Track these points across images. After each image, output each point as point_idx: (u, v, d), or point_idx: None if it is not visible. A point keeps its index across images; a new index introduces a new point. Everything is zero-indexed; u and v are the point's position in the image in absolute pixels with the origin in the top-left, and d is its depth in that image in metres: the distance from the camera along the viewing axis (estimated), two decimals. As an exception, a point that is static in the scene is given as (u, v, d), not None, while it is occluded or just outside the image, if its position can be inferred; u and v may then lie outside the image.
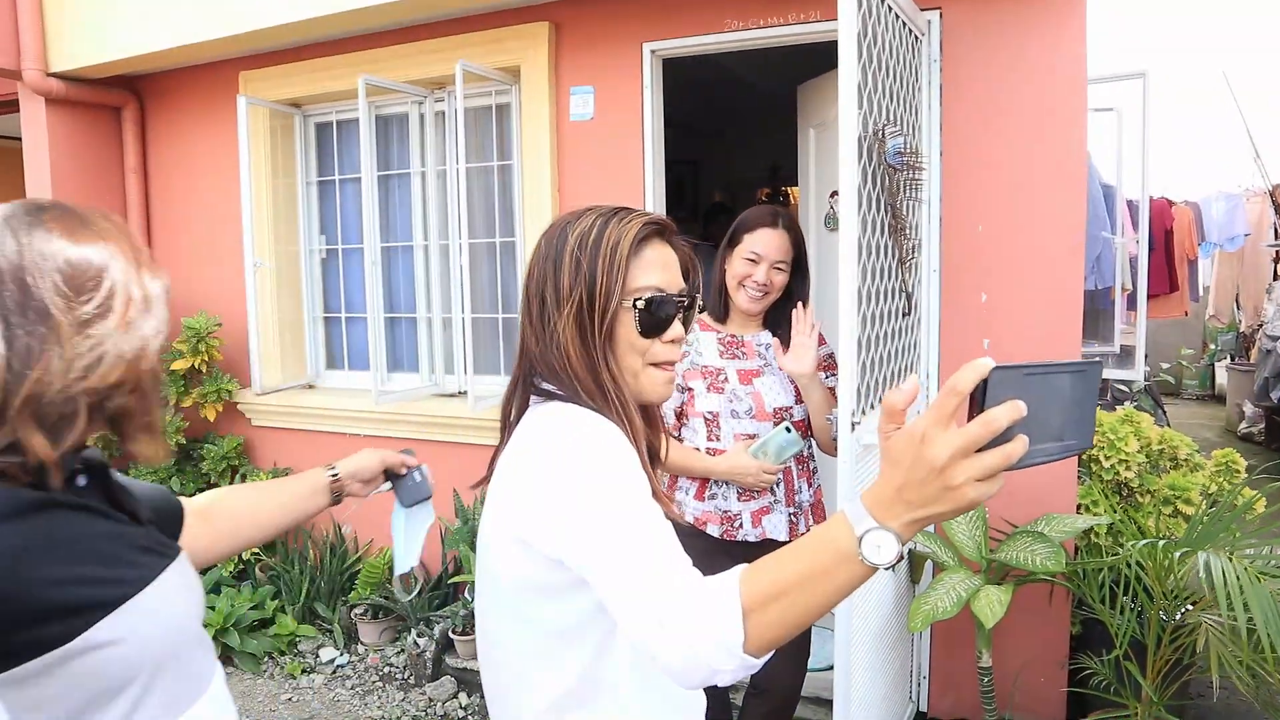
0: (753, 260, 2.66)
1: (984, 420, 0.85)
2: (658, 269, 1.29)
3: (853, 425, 2.50)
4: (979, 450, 0.87)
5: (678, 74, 4.02)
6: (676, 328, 1.31)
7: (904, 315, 3.12)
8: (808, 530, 2.79)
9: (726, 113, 7.36)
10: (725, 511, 2.71)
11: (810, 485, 2.81)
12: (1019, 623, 3.32)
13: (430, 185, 4.45)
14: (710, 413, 2.71)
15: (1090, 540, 3.33)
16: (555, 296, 1.27)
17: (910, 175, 2.90)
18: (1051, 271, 3.24)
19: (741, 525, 2.71)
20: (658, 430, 1.41)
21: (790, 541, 2.69)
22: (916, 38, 3.19)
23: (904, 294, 3.10)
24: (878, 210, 2.76)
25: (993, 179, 3.30)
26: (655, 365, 1.31)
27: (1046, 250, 3.25)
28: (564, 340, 1.26)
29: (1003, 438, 0.87)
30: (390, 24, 4.20)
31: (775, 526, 2.71)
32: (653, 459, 1.37)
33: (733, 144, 8.31)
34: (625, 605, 1.06)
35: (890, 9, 2.82)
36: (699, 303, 1.38)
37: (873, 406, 2.78)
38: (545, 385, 1.30)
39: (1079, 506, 3.38)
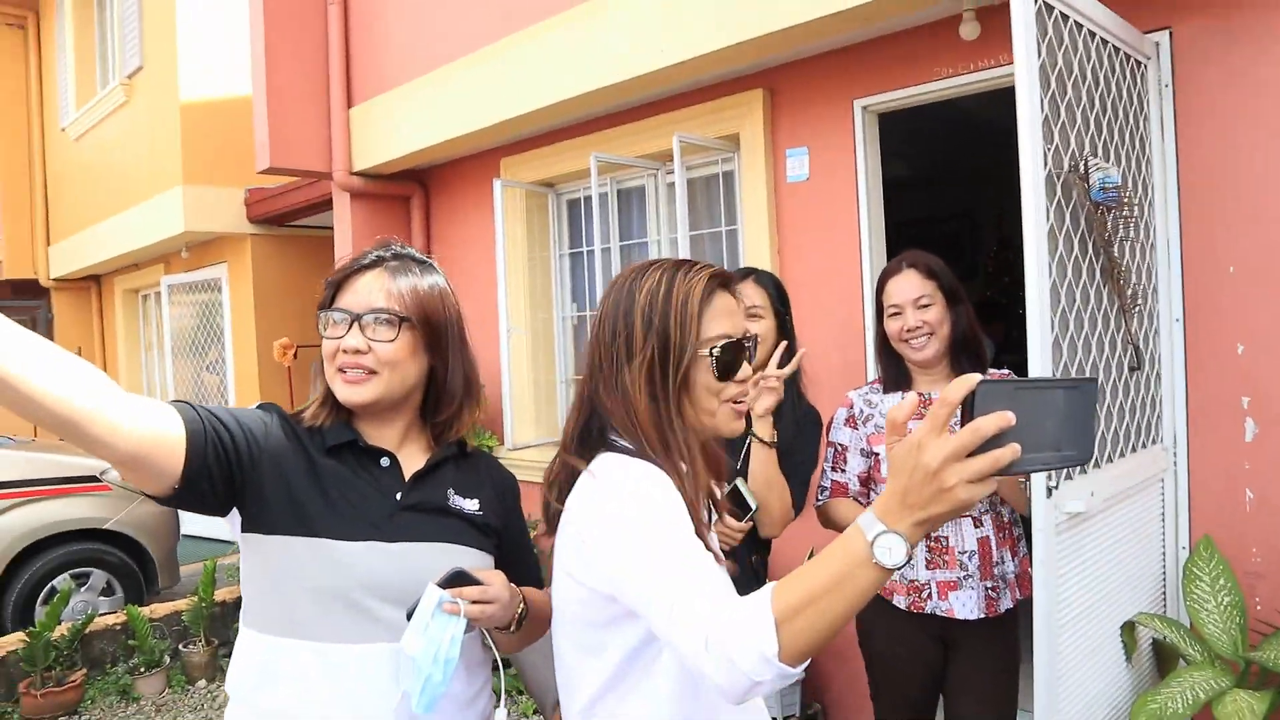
0: (896, 312, 2.44)
1: (972, 428, 0.92)
2: (725, 317, 1.35)
3: (1049, 490, 2.16)
4: (971, 455, 0.93)
5: (925, 124, 3.79)
6: (745, 369, 1.37)
7: (1132, 369, 2.68)
8: (1013, 605, 2.45)
9: (993, 160, 6.87)
10: (913, 581, 2.44)
11: (1015, 555, 2.46)
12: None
13: (665, 252, 4.49)
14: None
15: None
16: (628, 350, 1.32)
17: (1124, 213, 2.51)
18: (1327, 318, 2.67)
19: (930, 596, 2.42)
20: (721, 472, 1.45)
21: (984, 620, 2.39)
22: (1138, 63, 2.78)
23: (1130, 345, 2.67)
24: (1083, 253, 2.41)
25: (1244, 213, 2.78)
26: (729, 403, 1.36)
27: (1319, 293, 2.68)
28: (633, 393, 1.32)
29: (994, 445, 0.92)
30: (619, 105, 4.32)
31: (964, 604, 2.38)
32: (711, 499, 1.46)
33: (1004, 191, 7.73)
34: (674, 633, 1.11)
35: (1093, 35, 2.49)
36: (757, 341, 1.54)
37: (1083, 471, 2.39)
38: (614, 438, 1.35)
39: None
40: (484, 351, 5.17)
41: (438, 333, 1.53)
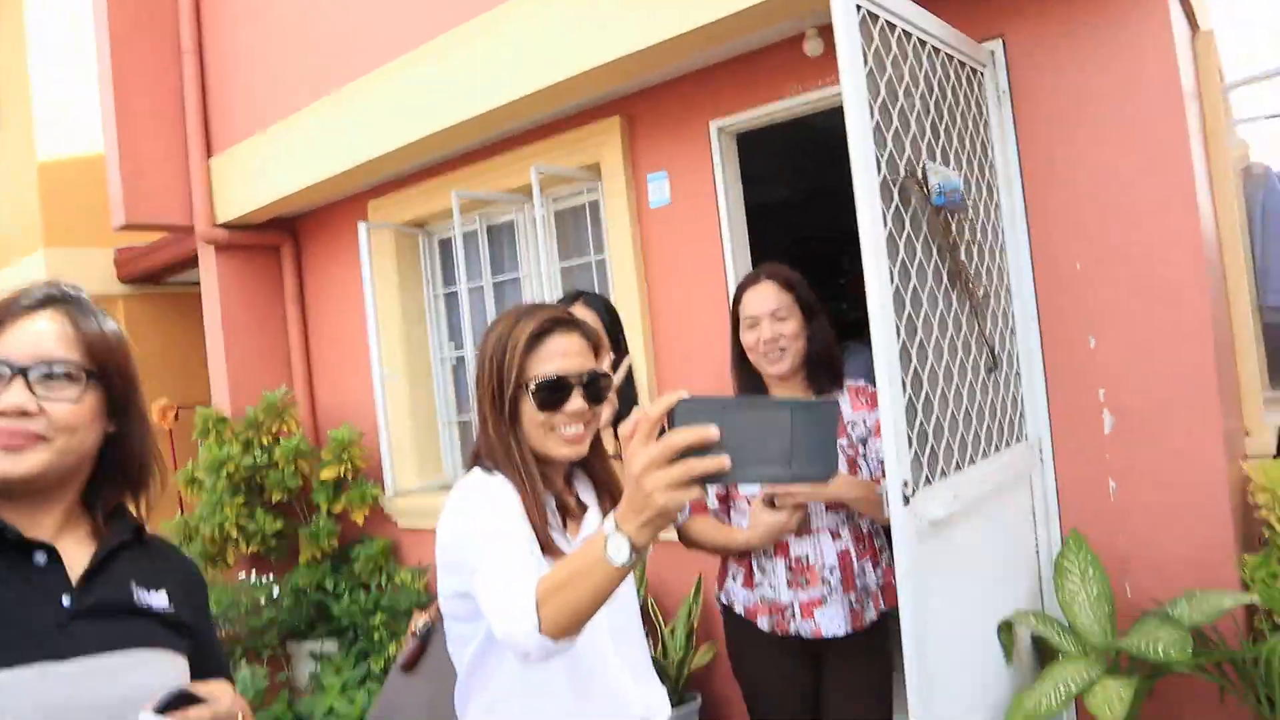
0: (752, 324, 2.36)
1: (664, 440, 1.01)
2: (557, 358, 1.52)
3: (906, 498, 2.09)
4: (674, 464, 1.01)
5: (797, 145, 3.74)
6: (575, 402, 1.52)
7: (989, 370, 2.66)
8: (878, 616, 2.38)
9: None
10: (774, 601, 2.34)
11: (876, 565, 2.39)
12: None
13: (538, 286, 4.37)
14: (751, 496, 2.37)
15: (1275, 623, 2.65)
16: (479, 386, 1.56)
17: (968, 217, 2.50)
18: (1170, 301, 2.69)
19: (793, 616, 2.33)
20: (567, 489, 1.64)
21: (851, 635, 2.31)
22: (974, 70, 2.80)
23: (985, 347, 2.65)
24: (928, 257, 2.38)
25: (1086, 211, 2.80)
26: (557, 431, 1.53)
27: (1160, 281, 2.70)
28: (485, 421, 1.56)
29: (699, 456, 1.00)
30: (480, 141, 4.20)
31: (830, 620, 2.30)
32: (563, 509, 1.60)
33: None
34: (485, 608, 1.33)
35: (924, 43, 2.47)
36: (608, 375, 1.61)
37: (944, 474, 2.34)
38: (482, 458, 1.57)
39: (1246, 584, 2.72)
40: (360, 397, 4.96)
41: (126, 393, 1.23)
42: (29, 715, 1.06)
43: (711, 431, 1.00)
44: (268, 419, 4.92)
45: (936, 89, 2.53)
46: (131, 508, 1.31)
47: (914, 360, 2.23)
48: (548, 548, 1.48)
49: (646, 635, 3.62)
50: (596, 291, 2.61)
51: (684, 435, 1.00)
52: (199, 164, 5.10)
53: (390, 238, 4.80)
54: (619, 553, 1.10)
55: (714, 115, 3.52)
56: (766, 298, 2.37)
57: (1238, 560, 2.68)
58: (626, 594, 1.67)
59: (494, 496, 1.49)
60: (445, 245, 4.92)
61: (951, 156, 2.56)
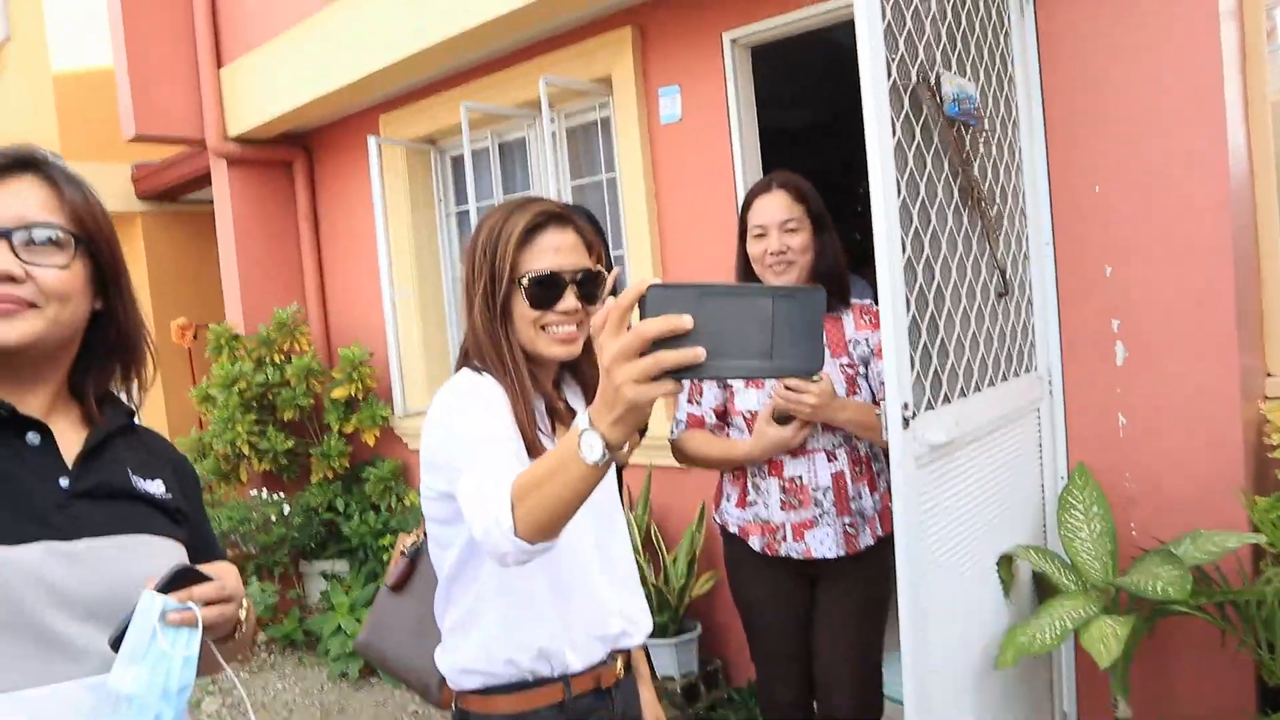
0: (760, 234, 2.27)
1: (635, 329, 0.93)
2: (549, 253, 1.46)
3: (905, 420, 2.00)
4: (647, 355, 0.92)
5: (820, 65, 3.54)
6: (568, 300, 1.46)
7: (999, 295, 2.55)
8: (874, 541, 2.32)
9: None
10: (766, 522, 2.29)
11: (874, 490, 2.32)
12: (1184, 667, 2.62)
13: (549, 206, 4.27)
14: (749, 411, 2.30)
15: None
16: (470, 281, 1.50)
17: (979, 131, 2.36)
18: (1192, 231, 2.55)
19: (785, 538, 2.27)
20: (556, 393, 1.58)
21: (845, 558, 2.25)
22: (998, -24, 2.63)
23: (997, 270, 2.53)
24: (938, 172, 2.25)
25: (1108, 132, 2.65)
26: (549, 329, 1.47)
27: (1183, 207, 2.56)
28: (475, 318, 1.49)
29: (673, 347, 0.91)
30: (491, 52, 4.06)
31: (821, 542, 2.25)
32: (552, 414, 1.53)
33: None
34: (464, 507, 1.27)
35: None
36: (602, 273, 1.52)
37: (947, 399, 2.25)
38: (471, 358, 1.51)
39: (1256, 526, 2.62)
40: (372, 316, 4.92)
41: (114, 265, 1.16)
42: (31, 593, 1.02)
43: (684, 321, 0.91)
44: (279, 336, 4.90)
45: (955, -5, 2.37)
46: (124, 394, 1.25)
47: (919, 278, 2.12)
48: (534, 450, 1.43)
49: (647, 560, 3.62)
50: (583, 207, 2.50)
51: (654, 325, 0.92)
52: (209, 74, 5.00)
53: (402, 154, 4.70)
54: (591, 450, 1.03)
55: (727, 26, 3.36)
56: (777, 208, 2.28)
57: (1248, 502, 2.58)
58: (611, 505, 1.62)
59: (481, 395, 1.44)
60: (457, 162, 4.81)
61: (968, 68, 2.42)
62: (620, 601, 1.58)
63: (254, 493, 4.94)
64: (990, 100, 2.56)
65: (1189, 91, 2.52)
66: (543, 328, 1.47)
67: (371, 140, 4.33)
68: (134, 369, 1.24)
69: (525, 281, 1.45)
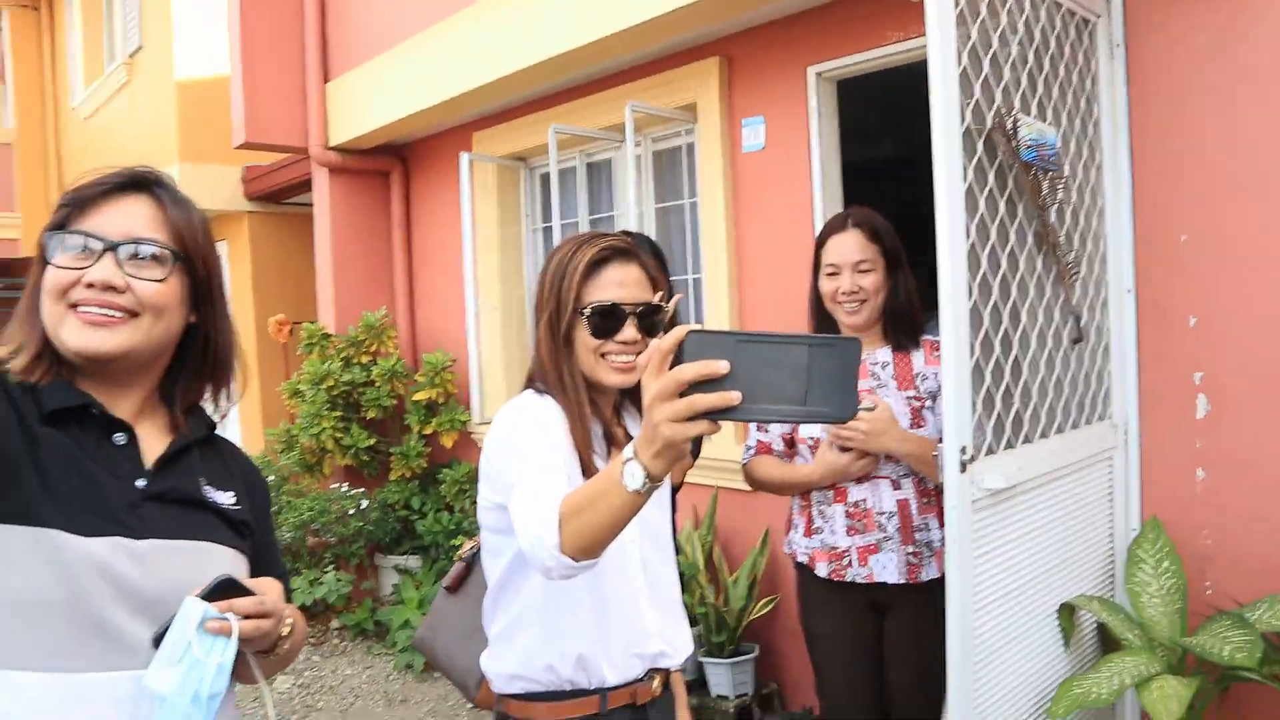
0: (833, 272, 2.28)
1: (672, 373, 0.99)
2: (613, 286, 1.53)
3: (963, 464, 1.99)
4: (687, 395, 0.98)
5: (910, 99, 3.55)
6: (628, 331, 1.53)
7: (1074, 342, 2.50)
8: (939, 575, 2.30)
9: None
10: (833, 548, 2.31)
11: (943, 524, 2.31)
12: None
13: (634, 226, 4.33)
14: (813, 438, 2.32)
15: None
16: (539, 308, 1.57)
17: (1058, 176, 2.33)
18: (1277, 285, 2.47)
19: (850, 563, 2.28)
20: (615, 419, 1.64)
21: (909, 586, 2.25)
22: (1085, 20, 2.59)
23: (1072, 317, 2.49)
24: (1011, 216, 2.23)
25: (1197, 179, 2.58)
26: (608, 358, 1.53)
27: (1272, 261, 2.48)
28: (540, 344, 1.57)
29: (709, 390, 0.97)
30: (580, 76, 4.16)
31: (884, 567, 2.25)
32: (608, 438, 1.60)
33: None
34: (515, 523, 1.33)
35: (1030, -14, 2.30)
36: (662, 308, 1.59)
37: (1010, 444, 2.23)
38: (536, 380, 1.59)
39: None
40: (456, 324, 5.07)
41: (210, 282, 1.23)
42: (97, 584, 1.07)
43: (719, 366, 0.97)
44: (367, 338, 5.09)
45: (1039, 38, 2.35)
46: (211, 405, 1.32)
47: (985, 322, 2.11)
48: (589, 471, 1.48)
49: (708, 580, 3.64)
50: (644, 234, 2.56)
51: (690, 369, 0.98)
52: (315, 87, 5.24)
53: (492, 170, 4.84)
54: (633, 479, 1.09)
55: (812, 60, 3.38)
56: (851, 247, 2.30)
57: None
58: (663, 529, 1.67)
59: (541, 416, 1.50)
60: (545, 180, 4.93)
61: (1049, 111, 2.39)
62: (661, 623, 1.62)
63: (335, 486, 5.12)
64: (1074, 143, 2.53)
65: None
66: (603, 356, 1.53)
67: (463, 157, 4.47)
68: (222, 381, 1.30)
69: (588, 312, 1.51)
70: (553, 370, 1.54)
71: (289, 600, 1.31)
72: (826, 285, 2.32)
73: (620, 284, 1.54)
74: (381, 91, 4.86)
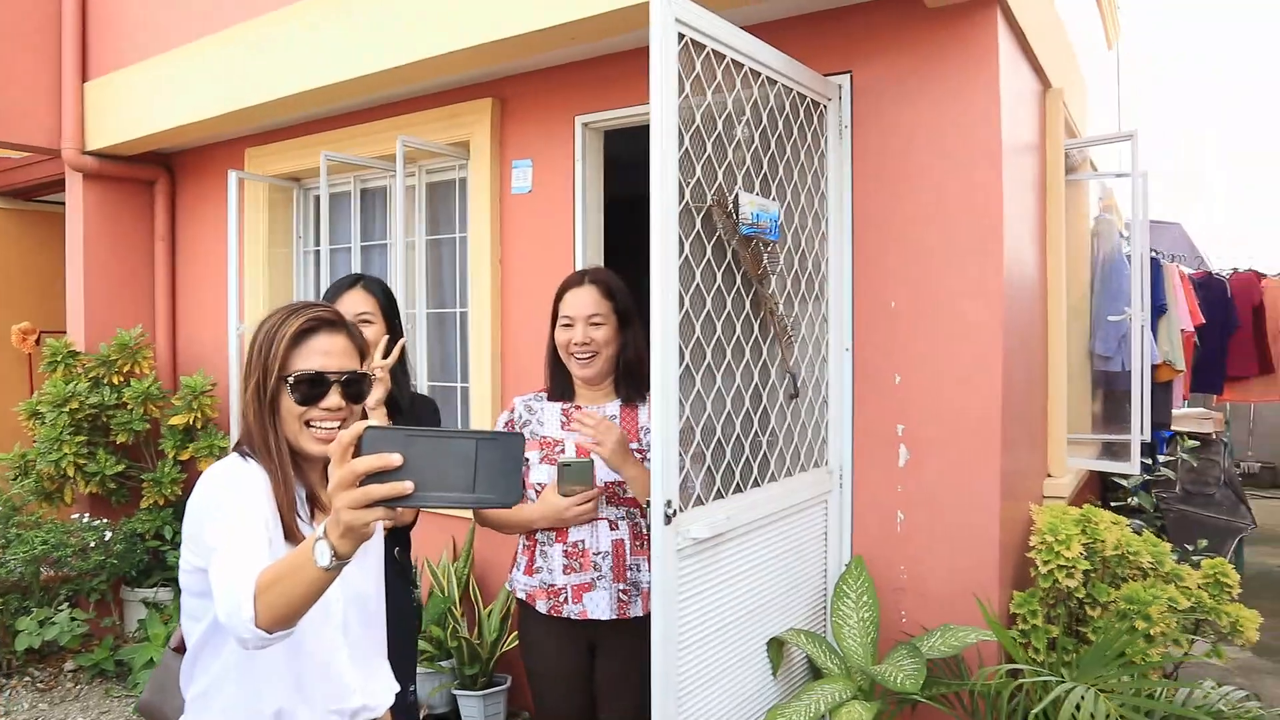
0: (568, 324, 2.44)
1: (348, 465, 1.13)
2: (318, 355, 1.62)
3: (668, 517, 2.20)
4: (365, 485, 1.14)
5: None
6: (331, 398, 1.61)
7: (790, 397, 2.80)
8: (645, 614, 2.50)
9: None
10: (550, 585, 2.46)
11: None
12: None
13: (403, 255, 4.38)
14: (540, 484, 2.47)
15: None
16: (247, 373, 1.64)
17: (779, 246, 2.62)
18: (967, 350, 2.86)
19: (566, 600, 2.44)
20: (317, 480, 1.68)
21: (615, 620, 2.43)
22: (815, 103, 2.91)
23: (789, 375, 2.78)
24: (728, 284, 2.49)
25: (906, 251, 2.95)
26: (312, 427, 1.61)
27: (961, 327, 2.87)
28: (247, 409, 1.63)
29: (394, 480, 1.13)
30: (358, 103, 4.19)
31: (597, 604, 2.42)
32: (312, 501, 1.67)
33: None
34: (214, 591, 1.39)
35: (757, 75, 2.57)
36: (368, 376, 1.69)
37: (720, 494, 2.47)
38: (242, 443, 1.65)
39: (1014, 617, 2.93)
40: (219, 346, 4.93)
41: None
42: None
43: (391, 459, 1.12)
44: (120, 358, 4.85)
45: (766, 119, 2.63)
46: None
47: (697, 384, 2.34)
48: (291, 534, 1.56)
49: (462, 614, 3.73)
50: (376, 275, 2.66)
51: (364, 462, 1.13)
52: (72, 86, 4.96)
53: (264, 188, 4.76)
54: (322, 556, 1.21)
55: (580, 110, 3.58)
56: (585, 301, 2.46)
57: (1004, 594, 2.89)
58: (367, 587, 1.75)
59: (243, 481, 1.57)
60: (320, 202, 4.89)
61: (775, 186, 2.67)
62: (364, 680, 1.71)
63: (76, 516, 4.85)
64: (798, 215, 2.83)
65: (972, 219, 2.85)
66: (307, 424, 1.61)
67: (232, 175, 4.38)
68: None
69: (291, 380, 1.59)
70: (258, 435, 1.61)
71: None
72: (561, 335, 2.48)
73: (326, 353, 1.62)
74: (149, 97, 4.68)
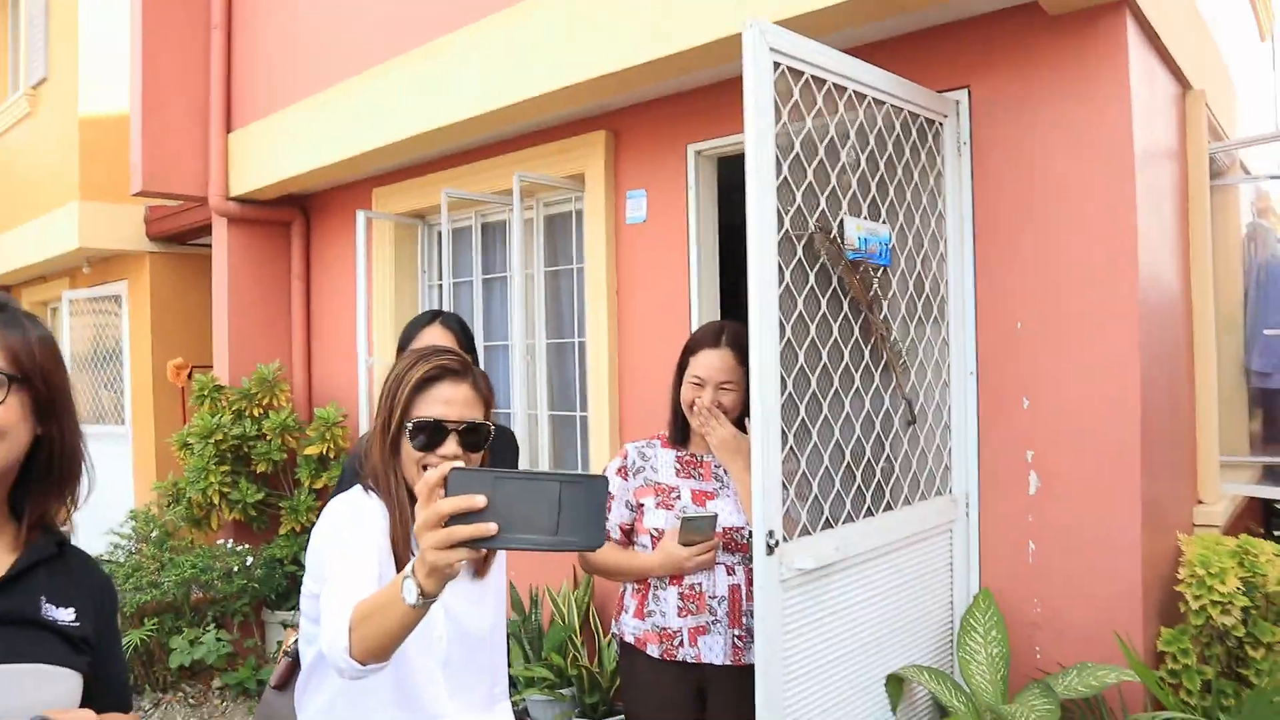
0: (697, 384, 2.41)
1: (433, 506, 1.18)
2: (439, 403, 1.67)
3: (769, 547, 2.19)
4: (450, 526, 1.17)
5: None
6: (448, 446, 1.66)
7: (907, 424, 2.74)
8: None
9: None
10: (664, 629, 2.46)
11: None
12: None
13: (522, 288, 4.52)
14: (657, 529, 2.48)
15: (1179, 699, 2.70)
16: (376, 415, 1.74)
17: (891, 270, 2.58)
18: (1103, 372, 2.74)
19: (681, 644, 2.45)
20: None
21: (729, 666, 2.42)
22: (929, 121, 2.86)
23: (904, 402, 2.72)
24: (834, 311, 2.46)
25: (1033, 270, 2.85)
26: (428, 470, 1.58)
27: (1096, 348, 2.75)
28: (373, 447, 1.72)
29: (470, 522, 1.15)
30: (474, 141, 4.36)
31: (711, 648, 2.41)
32: None
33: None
34: (321, 620, 1.49)
35: (862, 97, 2.55)
36: (488, 426, 1.72)
37: (829, 524, 2.44)
38: (368, 478, 1.75)
39: (1161, 655, 2.77)
40: (350, 378, 5.19)
41: (52, 395, 1.26)
42: None
43: (475, 500, 1.15)
44: (260, 391, 5.17)
45: (874, 140, 2.60)
46: (61, 513, 1.35)
47: (802, 413, 2.32)
48: (404, 567, 1.64)
49: (583, 643, 3.78)
50: (453, 311, 2.75)
51: (449, 504, 1.16)
52: (218, 137, 5.36)
53: (390, 226, 5.00)
54: (409, 594, 1.25)
55: (692, 139, 3.63)
56: (719, 367, 2.41)
57: (1149, 632, 2.73)
58: (476, 627, 1.80)
59: (363, 515, 1.66)
60: (443, 237, 5.10)
61: (885, 209, 2.64)
62: (460, 711, 1.76)
63: (221, 542, 5.17)
64: (913, 237, 2.78)
65: (1106, 235, 2.73)
66: (424, 468, 1.63)
67: (360, 215, 4.62)
68: (69, 489, 1.33)
69: (410, 426, 1.66)
70: (381, 473, 1.70)
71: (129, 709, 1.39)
72: (688, 393, 2.45)
73: (447, 401, 1.68)
74: (284, 145, 5.00)
